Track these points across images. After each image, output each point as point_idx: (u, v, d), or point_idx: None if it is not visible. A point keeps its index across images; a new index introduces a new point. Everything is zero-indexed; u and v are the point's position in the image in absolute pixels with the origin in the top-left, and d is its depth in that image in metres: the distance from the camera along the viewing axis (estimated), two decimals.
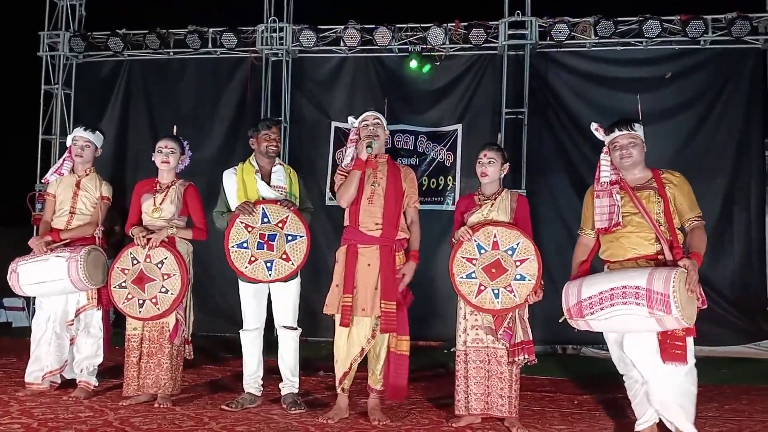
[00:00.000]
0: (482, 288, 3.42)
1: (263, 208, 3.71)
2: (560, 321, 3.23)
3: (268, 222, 3.71)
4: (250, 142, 3.94)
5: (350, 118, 3.78)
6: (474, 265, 3.46)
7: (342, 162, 3.71)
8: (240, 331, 3.92)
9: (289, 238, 3.72)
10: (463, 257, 3.48)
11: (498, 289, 3.40)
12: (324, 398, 4.06)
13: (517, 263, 3.40)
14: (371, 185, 3.58)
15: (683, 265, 2.95)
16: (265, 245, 3.68)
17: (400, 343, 3.54)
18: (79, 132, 4.15)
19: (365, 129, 3.64)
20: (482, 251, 3.45)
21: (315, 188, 6.71)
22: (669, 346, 2.98)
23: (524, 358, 3.40)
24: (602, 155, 3.29)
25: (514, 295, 3.39)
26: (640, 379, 3.14)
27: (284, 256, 3.70)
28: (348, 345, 3.53)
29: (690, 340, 3.01)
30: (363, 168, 3.57)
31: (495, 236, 3.45)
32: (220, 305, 6.36)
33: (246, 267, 3.69)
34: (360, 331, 3.51)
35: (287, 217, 3.73)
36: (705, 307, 3.05)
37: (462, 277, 3.47)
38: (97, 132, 4.20)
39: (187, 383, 4.26)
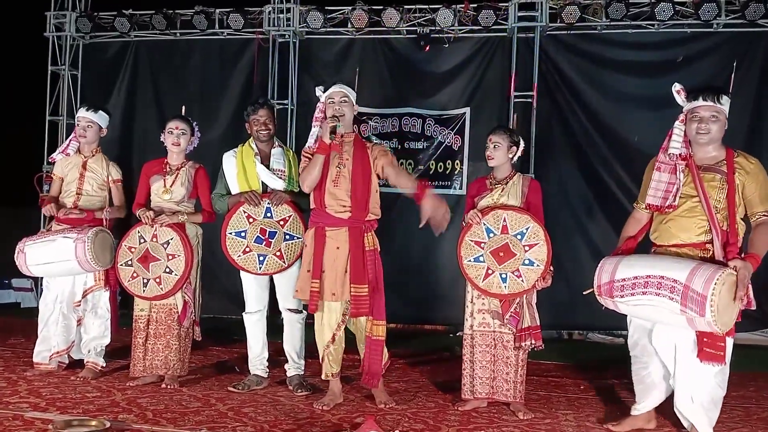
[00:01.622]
0: (490, 272, 3.40)
1: (268, 203, 3.70)
2: (585, 293, 3.08)
3: (271, 218, 3.71)
4: (246, 126, 3.89)
5: (318, 89, 3.57)
6: (482, 248, 3.42)
7: (308, 143, 3.53)
8: (243, 313, 3.92)
9: (287, 237, 3.72)
10: (472, 240, 3.45)
11: (506, 274, 3.37)
12: (323, 382, 3.99)
13: (526, 248, 3.37)
14: (336, 167, 3.43)
15: (734, 267, 2.72)
16: (264, 241, 3.68)
17: (375, 327, 3.46)
18: (81, 112, 4.13)
19: (330, 107, 3.47)
20: (491, 235, 3.42)
21: None
22: (709, 345, 2.77)
23: (531, 343, 3.38)
24: (677, 123, 2.94)
25: (522, 280, 3.36)
26: (651, 367, 3.05)
27: (278, 253, 3.71)
28: (322, 331, 3.48)
29: (730, 341, 2.82)
30: (327, 152, 3.41)
31: (504, 220, 3.41)
32: (227, 287, 6.34)
33: (239, 256, 3.70)
34: (331, 316, 3.46)
35: (290, 217, 3.72)
36: (753, 308, 2.85)
37: (470, 261, 3.44)
38: (101, 112, 4.14)
39: (194, 365, 4.27)
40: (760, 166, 2.91)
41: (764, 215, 2.82)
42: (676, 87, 2.99)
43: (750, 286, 2.82)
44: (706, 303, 2.61)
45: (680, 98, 2.99)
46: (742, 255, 2.81)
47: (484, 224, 3.43)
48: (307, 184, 3.46)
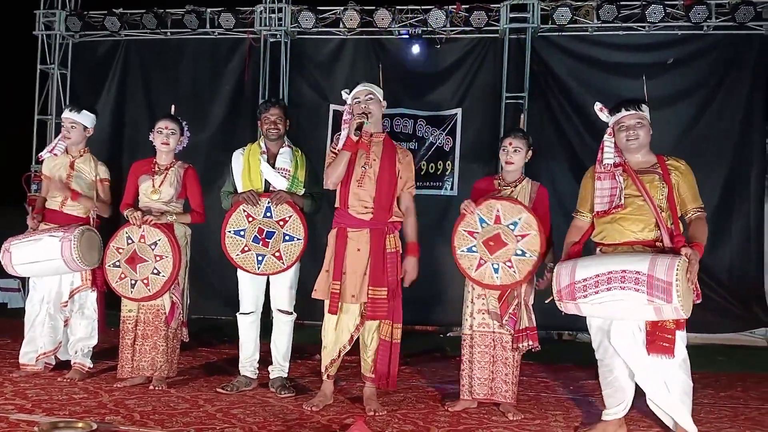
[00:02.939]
0: (482, 262, 3.38)
1: (268, 202, 3.67)
2: (546, 302, 3.17)
3: (270, 217, 3.67)
4: (258, 124, 3.91)
5: (344, 92, 3.58)
6: (475, 238, 3.41)
7: (335, 145, 3.51)
8: (237, 314, 3.89)
9: (287, 237, 3.68)
10: (465, 230, 3.43)
11: (498, 264, 3.35)
12: (311, 383, 4.00)
13: (518, 238, 3.35)
14: (362, 167, 3.42)
15: (685, 254, 2.85)
16: (261, 241, 3.65)
17: (395, 331, 3.45)
18: (65, 113, 4.07)
19: (357, 106, 3.46)
20: (484, 225, 3.40)
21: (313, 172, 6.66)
22: (657, 338, 2.88)
23: (528, 344, 3.37)
24: (606, 136, 3.17)
25: (514, 271, 3.34)
26: (616, 370, 3.07)
27: (277, 254, 3.68)
28: (337, 332, 3.45)
29: (681, 334, 2.92)
30: (354, 149, 3.40)
31: (498, 210, 3.39)
32: (217, 288, 6.33)
33: (237, 255, 3.67)
34: (349, 318, 3.44)
35: (290, 218, 3.68)
36: (699, 301, 2.98)
37: (462, 251, 3.42)
38: (84, 111, 4.07)
39: (183, 366, 4.24)
40: (689, 168, 3.12)
41: (699, 210, 3.06)
42: (598, 105, 3.23)
43: (696, 278, 2.95)
44: (672, 288, 2.73)
45: (604, 115, 3.21)
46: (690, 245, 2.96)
47: (478, 214, 3.41)
48: (332, 181, 3.44)
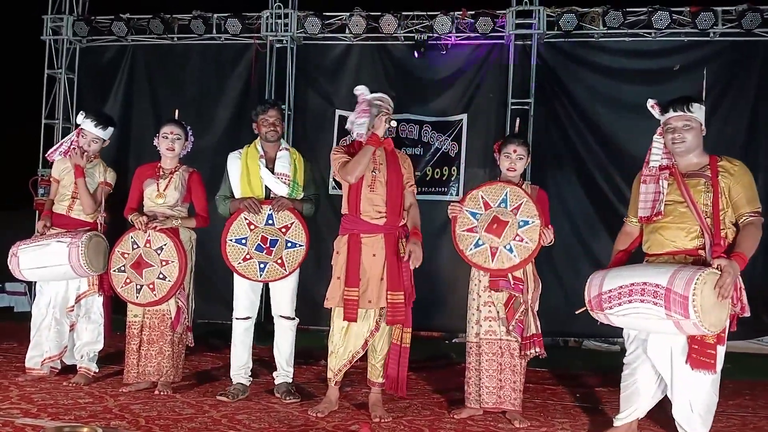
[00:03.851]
0: (494, 250, 3.37)
1: (270, 209, 3.65)
2: (577, 312, 3.08)
3: (272, 225, 3.65)
4: (253, 127, 3.84)
5: (361, 87, 3.55)
6: (476, 232, 3.40)
7: (353, 132, 3.48)
8: (232, 318, 3.82)
9: (289, 244, 3.67)
10: (463, 230, 3.43)
11: (509, 244, 3.35)
12: (317, 389, 3.99)
13: (514, 211, 3.36)
14: (372, 172, 3.42)
15: (717, 266, 2.70)
16: (265, 250, 3.63)
17: (405, 335, 3.45)
18: (89, 126, 3.98)
19: (375, 107, 3.45)
20: (477, 216, 3.41)
21: (318, 177, 6.65)
22: (698, 353, 2.76)
23: (536, 351, 3.36)
24: (655, 136, 3.01)
25: (527, 242, 3.33)
26: (638, 374, 3.02)
27: (279, 261, 3.65)
28: (348, 338, 3.43)
29: (721, 349, 2.79)
30: (379, 144, 3.40)
31: (482, 197, 3.43)
32: (222, 292, 6.27)
33: (239, 263, 3.64)
34: (363, 324, 3.42)
35: (292, 224, 3.67)
36: (746, 315, 2.84)
37: (471, 249, 3.41)
38: (110, 128, 4.06)
39: (188, 371, 4.24)
40: (745, 168, 2.92)
41: (751, 215, 2.83)
42: (650, 102, 3.06)
43: (743, 290, 2.83)
44: (689, 303, 2.60)
45: (655, 112, 3.05)
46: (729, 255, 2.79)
47: (466, 210, 3.42)
48: (356, 175, 3.37)
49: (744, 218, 2.85)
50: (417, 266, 3.43)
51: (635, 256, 3.18)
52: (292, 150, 3.89)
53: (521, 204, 3.36)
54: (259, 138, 3.83)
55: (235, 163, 3.78)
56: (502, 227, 3.35)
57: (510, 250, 3.35)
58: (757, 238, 2.81)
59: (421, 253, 3.43)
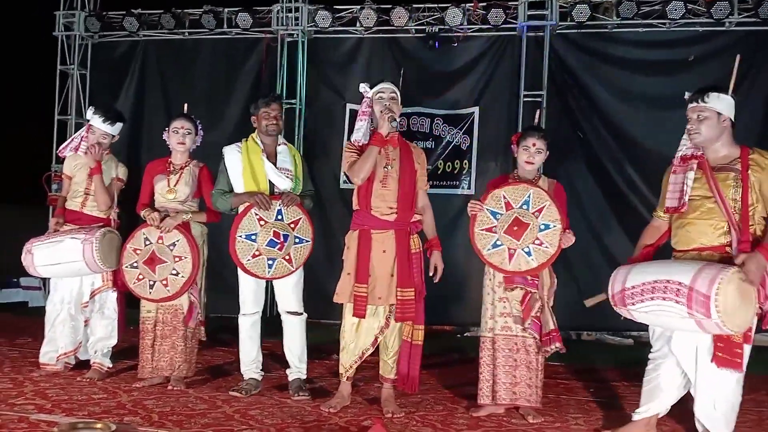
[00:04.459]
0: (512, 251, 3.32)
1: (279, 205, 3.62)
2: (589, 305, 3.07)
3: (282, 220, 3.62)
4: (252, 120, 3.78)
5: (363, 86, 3.50)
6: (495, 232, 3.35)
7: (353, 137, 3.46)
8: (239, 315, 3.80)
9: (297, 240, 3.65)
10: (482, 229, 3.38)
11: (528, 247, 3.29)
12: (329, 384, 3.98)
13: (536, 214, 3.30)
14: (384, 167, 3.39)
15: (741, 261, 2.64)
16: (279, 245, 3.58)
17: (417, 332, 3.43)
18: (97, 122, 3.98)
19: (379, 103, 3.41)
20: (498, 216, 3.36)
21: (329, 172, 6.65)
22: (724, 351, 2.70)
23: (555, 347, 3.32)
24: (687, 127, 2.94)
25: (546, 246, 3.28)
26: (662, 370, 2.97)
27: (287, 257, 3.62)
28: (359, 334, 3.42)
29: (747, 348, 2.73)
30: (383, 144, 3.37)
31: (504, 197, 3.36)
32: (233, 287, 6.29)
33: (248, 260, 3.60)
34: (374, 321, 3.40)
35: (300, 220, 3.65)
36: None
37: (489, 249, 3.36)
38: (118, 123, 4.05)
39: (201, 365, 4.26)
40: None
41: None
42: (687, 94, 2.98)
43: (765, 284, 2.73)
44: (711, 303, 2.54)
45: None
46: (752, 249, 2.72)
47: (487, 209, 3.37)
48: (362, 177, 3.36)
49: None
50: (437, 281, 3.47)
51: (664, 253, 3.12)
52: (289, 145, 3.87)
53: (544, 207, 3.29)
54: (257, 132, 3.77)
55: (234, 156, 3.70)
56: (522, 229, 3.29)
57: (528, 254, 3.30)
58: None
59: (441, 267, 3.49)
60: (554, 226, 3.28)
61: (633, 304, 2.83)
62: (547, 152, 3.50)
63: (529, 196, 3.32)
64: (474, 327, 5.47)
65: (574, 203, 6.24)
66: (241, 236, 3.61)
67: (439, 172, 6.48)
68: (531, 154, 3.44)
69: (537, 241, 3.29)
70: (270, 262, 3.62)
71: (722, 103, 2.88)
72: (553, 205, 3.29)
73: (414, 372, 3.45)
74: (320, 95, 6.89)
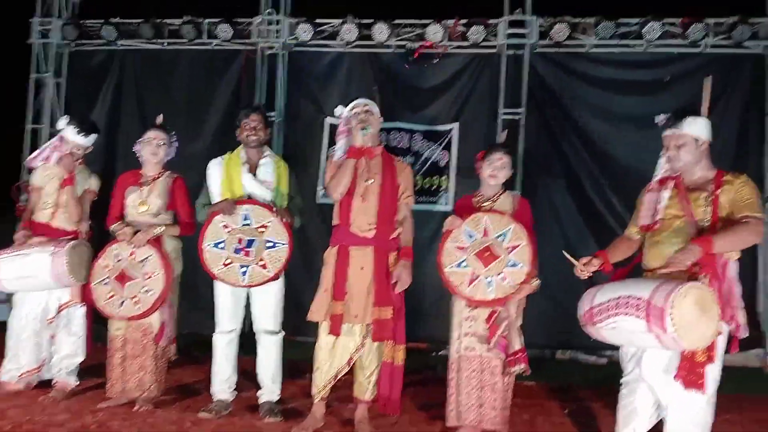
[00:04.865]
0: (475, 277, 3.30)
1: (245, 209, 3.55)
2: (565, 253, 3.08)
3: (249, 225, 3.55)
4: (236, 133, 3.76)
5: (338, 108, 3.54)
6: (465, 252, 3.33)
7: (334, 156, 3.48)
8: (214, 333, 3.72)
9: (269, 244, 3.54)
10: (454, 246, 3.36)
11: (491, 278, 3.28)
12: (302, 405, 3.87)
13: (509, 249, 3.29)
14: (365, 181, 3.38)
15: (685, 249, 2.68)
16: (242, 251, 3.52)
17: (398, 353, 3.39)
18: (71, 134, 3.92)
19: (355, 117, 3.43)
20: (473, 238, 3.34)
21: (309, 185, 6.60)
22: (688, 370, 2.71)
23: (520, 368, 3.29)
24: (663, 150, 2.98)
25: (507, 283, 3.27)
26: (637, 395, 2.95)
27: (261, 263, 3.52)
28: (333, 353, 3.37)
29: (710, 368, 2.72)
30: (358, 156, 3.36)
31: (485, 222, 3.35)
32: (209, 303, 6.23)
33: (220, 269, 3.53)
34: (349, 340, 3.35)
35: (269, 222, 3.55)
36: (745, 335, 2.77)
37: (452, 267, 3.34)
38: (92, 135, 4.00)
39: (170, 384, 4.15)
40: (747, 180, 2.86)
41: (747, 218, 2.76)
42: (658, 118, 3.01)
43: (739, 309, 2.77)
44: (666, 316, 2.54)
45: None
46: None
47: (465, 227, 3.35)
48: (339, 191, 3.36)
49: (740, 220, 2.77)
50: (397, 291, 3.38)
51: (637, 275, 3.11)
52: (277, 158, 3.82)
53: (519, 246, 3.29)
54: (242, 145, 3.75)
55: (216, 170, 3.70)
56: (492, 259, 3.29)
57: (489, 284, 3.29)
58: (740, 234, 2.74)
59: (409, 277, 3.39)
60: (521, 267, 3.27)
61: (601, 321, 2.83)
62: (512, 169, 3.52)
63: (508, 230, 3.32)
64: (448, 345, 5.44)
65: (552, 219, 6.28)
66: (209, 245, 3.54)
67: (417, 188, 6.44)
68: (496, 168, 3.46)
69: (501, 275, 3.28)
70: (243, 269, 3.53)
71: (698, 127, 2.91)
72: (528, 246, 3.29)
73: (395, 395, 3.39)
74: (300, 109, 6.84)
